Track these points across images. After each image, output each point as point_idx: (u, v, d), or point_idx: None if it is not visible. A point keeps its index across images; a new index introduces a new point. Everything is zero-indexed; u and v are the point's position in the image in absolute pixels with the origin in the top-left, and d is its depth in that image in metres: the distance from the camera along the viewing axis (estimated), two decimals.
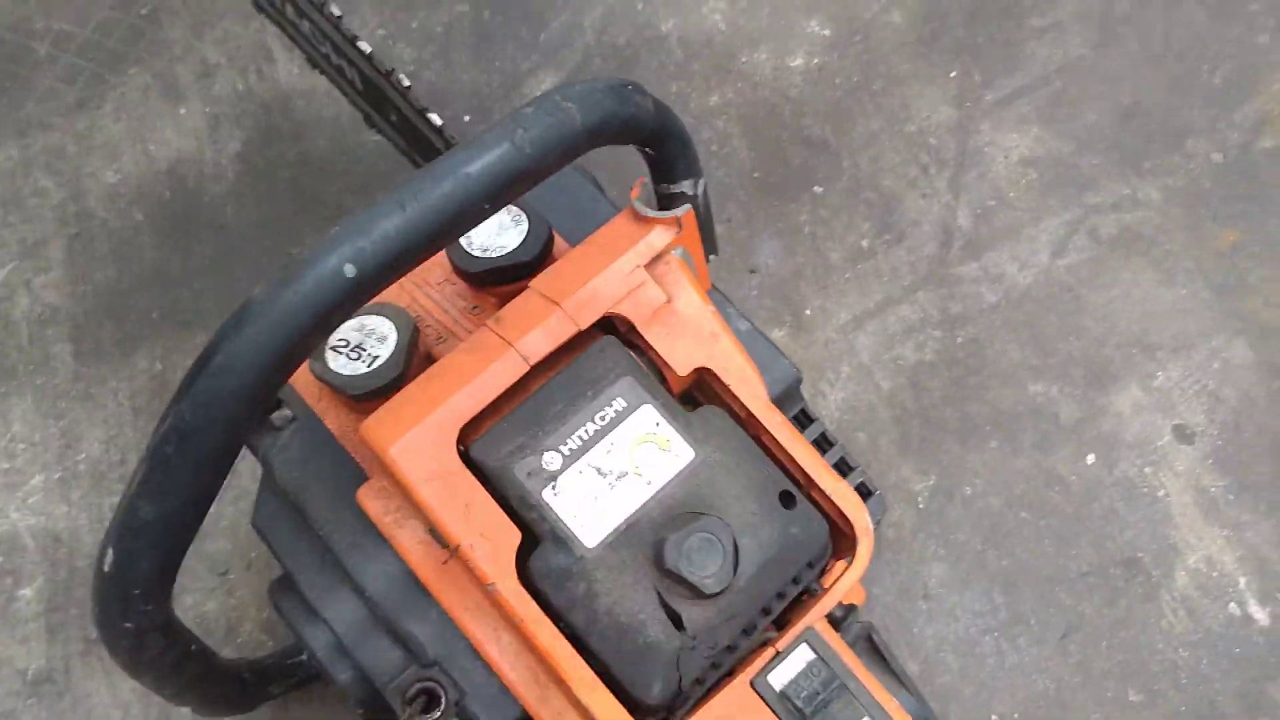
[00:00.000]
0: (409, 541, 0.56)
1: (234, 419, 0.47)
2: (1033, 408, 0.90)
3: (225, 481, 0.49)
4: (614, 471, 0.54)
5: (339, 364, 0.61)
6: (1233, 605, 0.82)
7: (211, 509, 0.49)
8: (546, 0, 1.09)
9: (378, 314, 0.63)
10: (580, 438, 0.55)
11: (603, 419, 0.55)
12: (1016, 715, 0.80)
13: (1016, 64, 1.05)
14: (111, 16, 1.10)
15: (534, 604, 0.52)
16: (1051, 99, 1.03)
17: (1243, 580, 0.83)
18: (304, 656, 0.77)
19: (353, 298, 0.48)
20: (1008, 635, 0.81)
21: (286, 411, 0.65)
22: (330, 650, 0.62)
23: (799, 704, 0.52)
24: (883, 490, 0.87)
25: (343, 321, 0.49)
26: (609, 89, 0.54)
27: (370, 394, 0.60)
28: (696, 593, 0.51)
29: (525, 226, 0.64)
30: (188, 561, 0.51)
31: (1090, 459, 0.88)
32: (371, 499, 0.58)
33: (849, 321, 0.94)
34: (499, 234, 0.64)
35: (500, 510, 0.53)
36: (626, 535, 0.53)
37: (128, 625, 0.52)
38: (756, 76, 1.05)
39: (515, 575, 0.52)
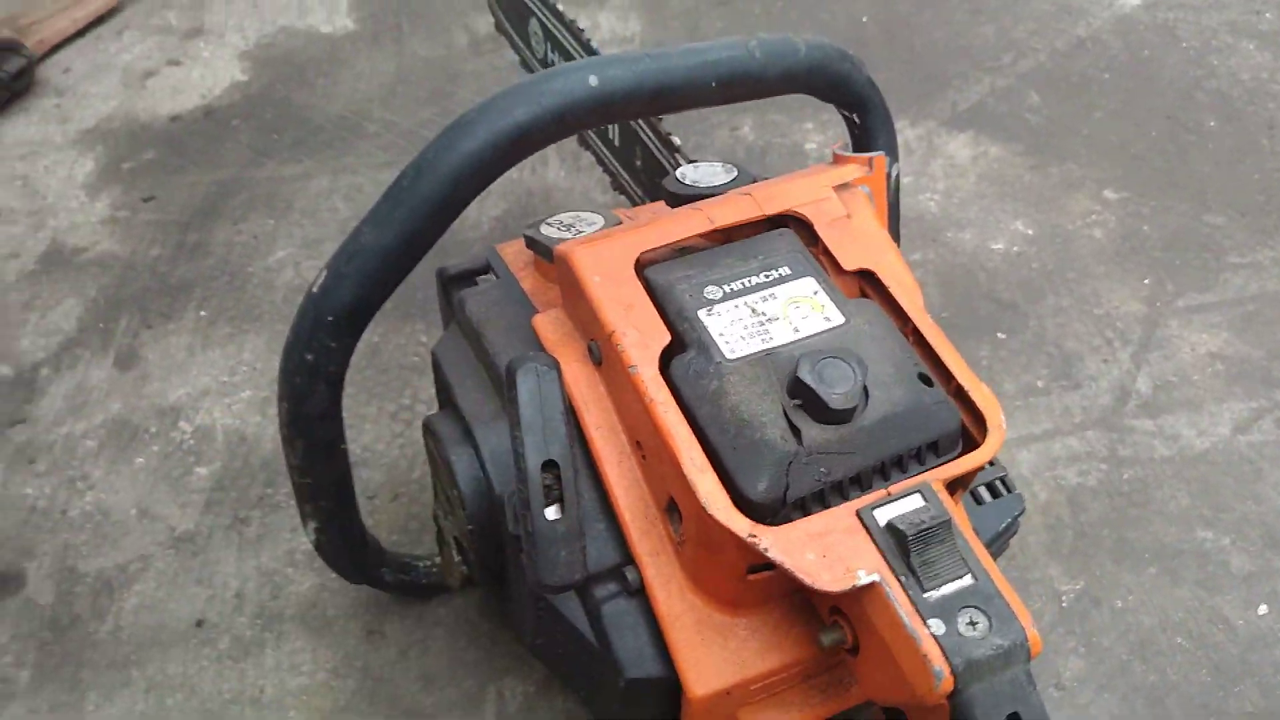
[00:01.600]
0: (568, 359, 0.60)
1: (467, 172, 0.55)
2: (1200, 550, 0.86)
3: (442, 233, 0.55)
4: (767, 314, 0.58)
5: (549, 232, 0.67)
6: None
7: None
8: None
9: (592, 212, 0.70)
10: (743, 283, 0.59)
11: (766, 276, 0.59)
12: None
13: (1209, 285, 1.11)
14: (431, 118, 1.36)
15: (667, 391, 0.54)
16: (1244, 317, 1.07)
17: None
18: (424, 565, 0.80)
19: (590, 106, 0.56)
20: None
21: (491, 276, 0.74)
22: (470, 470, 0.63)
23: (899, 533, 0.50)
24: (1026, 585, 0.84)
25: (577, 128, 0.57)
26: (835, 46, 0.64)
27: None
28: (821, 410, 0.52)
29: (736, 174, 0.72)
30: None
31: (1263, 609, 0.82)
32: (545, 322, 0.62)
33: (1014, 440, 0.95)
34: (712, 176, 0.71)
35: (658, 316, 0.57)
36: (766, 358, 0.55)
37: (308, 357, 0.57)
38: (958, 248, 1.15)
39: (657, 366, 0.55)
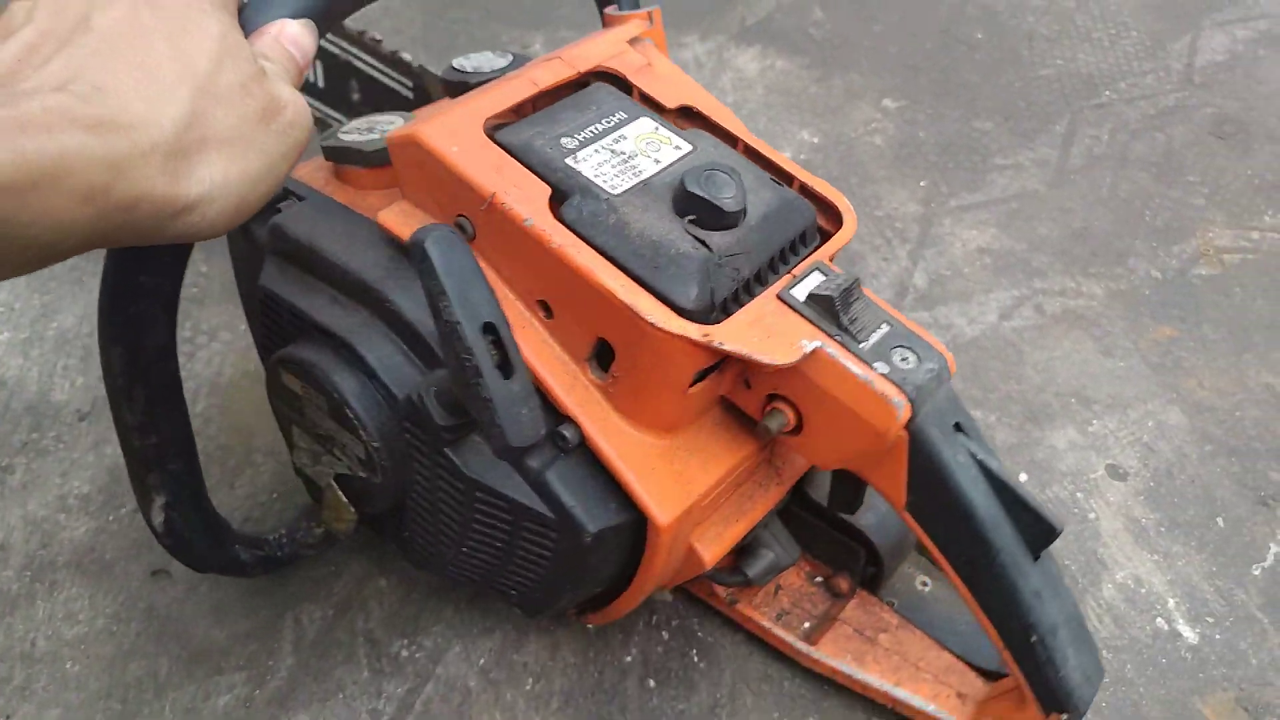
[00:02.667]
0: None
1: None
2: None
3: None
4: (625, 153, 0.60)
5: (351, 138, 0.65)
6: (1160, 620, 0.81)
7: None
8: None
9: (386, 114, 0.69)
10: (591, 130, 0.60)
11: (608, 122, 0.61)
12: None
13: (978, 186, 1.18)
14: None
15: (572, 235, 0.55)
16: (1008, 214, 1.16)
17: (1171, 601, 0.82)
18: (273, 536, 0.73)
19: None
20: None
21: (291, 200, 0.68)
22: (362, 387, 0.60)
23: (824, 299, 0.56)
24: None
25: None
26: None
27: (380, 154, 0.63)
28: (716, 216, 0.56)
29: (510, 59, 0.72)
30: None
31: (1022, 476, 0.89)
32: (394, 216, 0.60)
33: None
34: (489, 61, 0.71)
35: (529, 172, 0.57)
36: (647, 186, 0.58)
37: (143, 279, 0.53)
38: None
39: (550, 216, 0.56)
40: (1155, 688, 0.76)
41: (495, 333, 0.49)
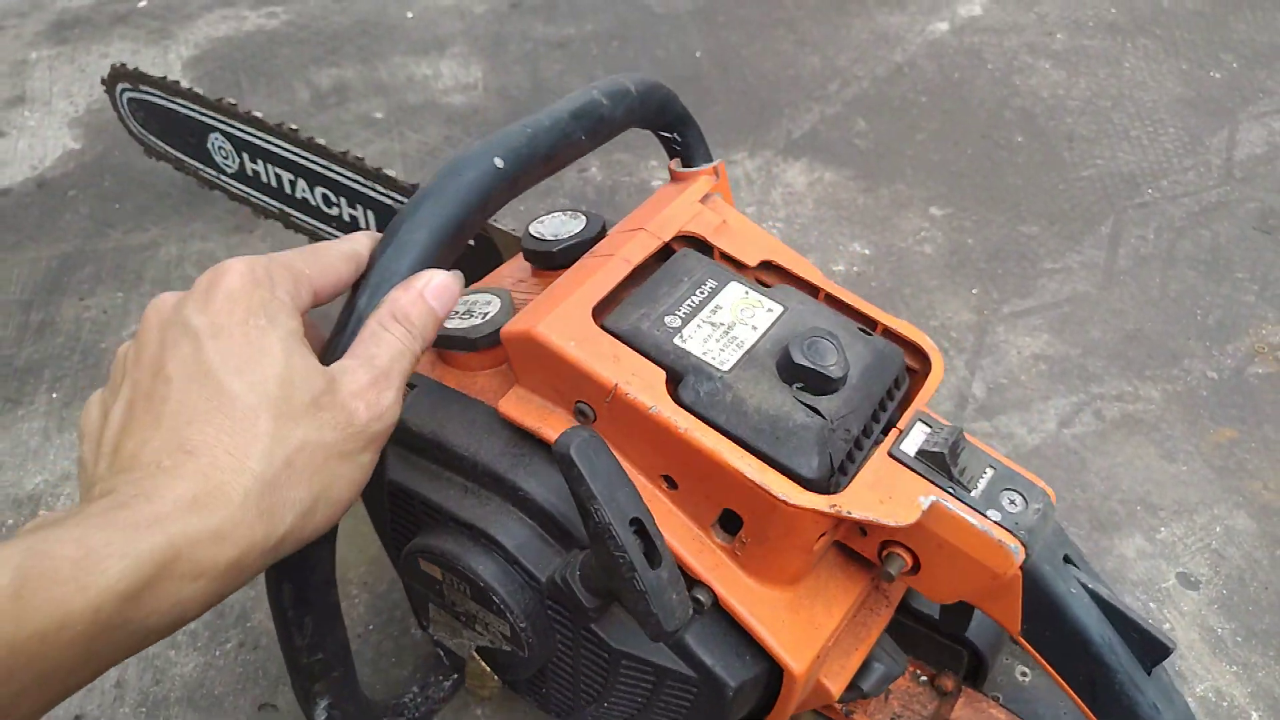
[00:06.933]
0: (557, 431, 0.61)
1: None
2: None
3: None
4: (724, 324, 0.64)
5: (454, 323, 0.68)
6: None
7: None
8: None
9: (480, 291, 0.71)
10: (690, 305, 0.64)
11: (701, 293, 0.65)
12: None
13: (1029, 291, 1.22)
14: None
15: (693, 418, 0.59)
16: (1061, 318, 1.19)
17: (1255, 715, 0.83)
18: (408, 698, 0.79)
19: (503, 189, 0.59)
20: None
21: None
22: (502, 572, 0.64)
23: (934, 455, 0.60)
24: None
25: (497, 209, 0.60)
26: (650, 78, 0.72)
27: (487, 339, 0.67)
28: (823, 383, 0.60)
29: (584, 220, 0.76)
30: None
31: None
32: (514, 405, 0.64)
33: None
34: (564, 225, 0.75)
35: (643, 358, 0.61)
36: (751, 357, 0.61)
37: None
38: None
39: (670, 400, 0.59)
40: None
41: (641, 524, 0.54)
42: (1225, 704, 0.83)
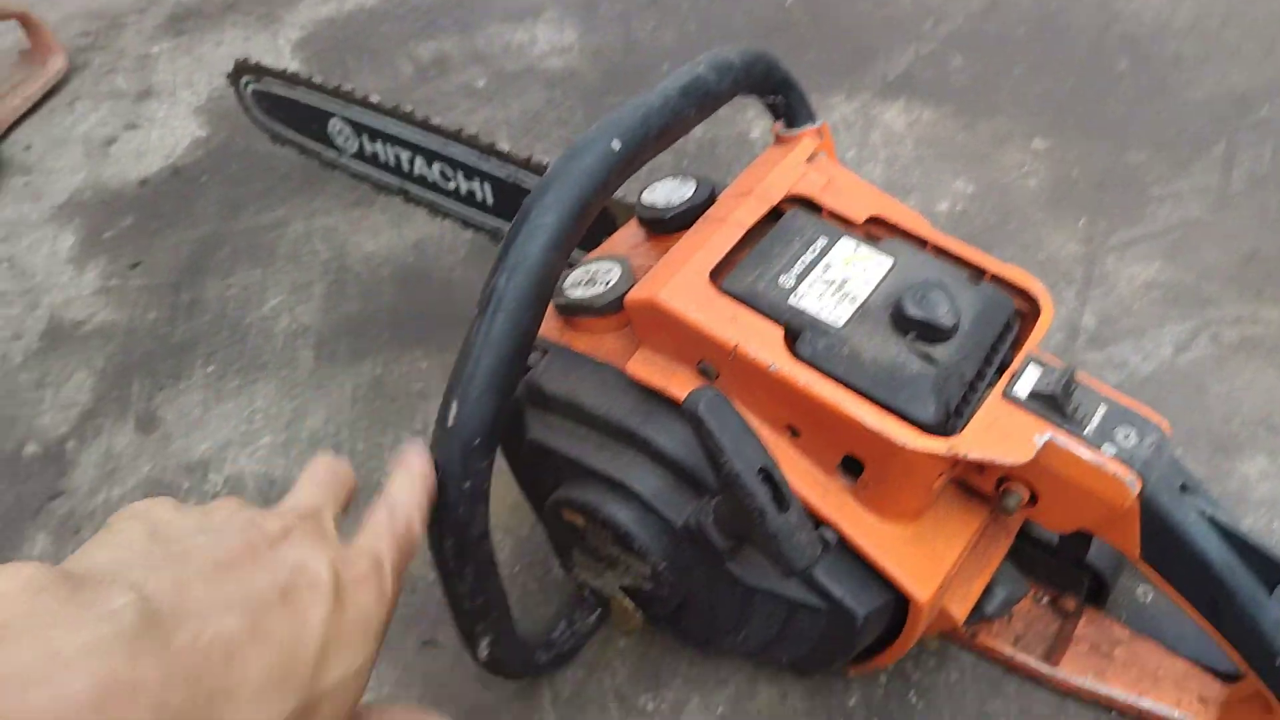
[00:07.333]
0: (683, 389, 0.65)
1: (535, 283, 0.60)
2: None
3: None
4: (836, 280, 0.67)
5: (579, 292, 0.72)
6: None
7: None
8: None
9: (601, 259, 0.75)
10: (802, 264, 0.67)
11: (814, 252, 0.67)
12: None
13: (1138, 219, 1.21)
14: None
15: (813, 371, 0.62)
16: (1173, 244, 1.18)
17: None
18: (557, 634, 0.85)
19: (620, 170, 0.62)
20: None
21: (535, 355, 0.76)
22: (641, 518, 0.69)
23: (1046, 396, 0.63)
24: None
25: (616, 188, 0.63)
26: (752, 47, 0.74)
27: (611, 305, 0.71)
28: (935, 333, 0.63)
29: (694, 185, 0.79)
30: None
31: None
32: (641, 366, 0.68)
33: None
34: (675, 191, 0.78)
35: (762, 318, 0.64)
36: (864, 312, 0.64)
37: (466, 485, 0.60)
38: None
39: (788, 356, 0.62)
40: None
41: (768, 473, 0.58)
42: None
